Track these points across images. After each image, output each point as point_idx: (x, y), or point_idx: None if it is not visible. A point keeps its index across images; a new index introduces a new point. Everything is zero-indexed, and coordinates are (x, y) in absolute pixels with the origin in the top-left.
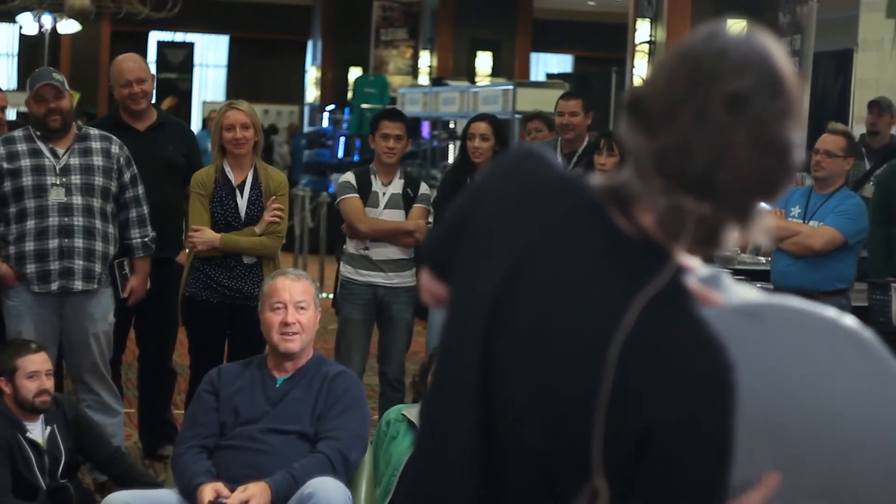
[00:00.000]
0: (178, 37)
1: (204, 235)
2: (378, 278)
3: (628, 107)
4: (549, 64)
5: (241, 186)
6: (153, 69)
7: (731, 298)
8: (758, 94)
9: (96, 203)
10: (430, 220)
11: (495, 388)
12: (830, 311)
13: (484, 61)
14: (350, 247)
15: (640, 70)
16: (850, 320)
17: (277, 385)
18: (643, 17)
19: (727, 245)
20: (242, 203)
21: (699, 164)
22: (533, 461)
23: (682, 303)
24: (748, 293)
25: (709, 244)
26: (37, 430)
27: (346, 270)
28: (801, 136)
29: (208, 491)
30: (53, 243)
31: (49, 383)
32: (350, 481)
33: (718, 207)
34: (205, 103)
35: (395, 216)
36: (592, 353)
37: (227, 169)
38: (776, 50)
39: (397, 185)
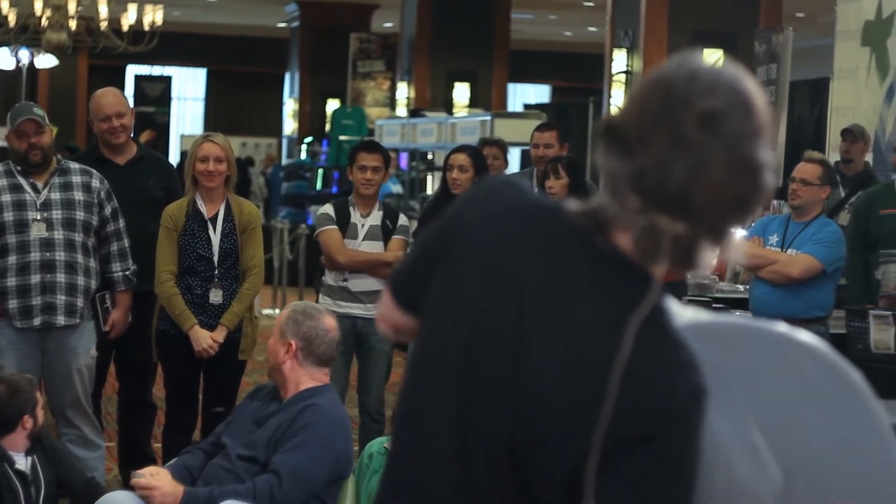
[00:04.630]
0: (156, 70)
1: (201, 339)
2: (357, 310)
3: (604, 131)
4: (526, 94)
5: (214, 220)
6: (131, 103)
7: (679, 320)
8: (730, 113)
9: (78, 237)
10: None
11: (475, 414)
12: (781, 327)
13: (461, 92)
14: (329, 278)
15: (617, 100)
16: (804, 335)
17: (272, 409)
18: (620, 47)
19: (703, 264)
20: (216, 237)
21: (676, 182)
22: (516, 487)
23: (667, 323)
24: (695, 314)
25: (684, 264)
26: (21, 462)
27: (325, 302)
28: (772, 158)
29: (144, 470)
30: (35, 278)
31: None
32: None
33: (694, 226)
34: (183, 136)
35: (374, 248)
36: (590, 380)
37: (200, 202)
38: (745, 76)
39: (376, 217)
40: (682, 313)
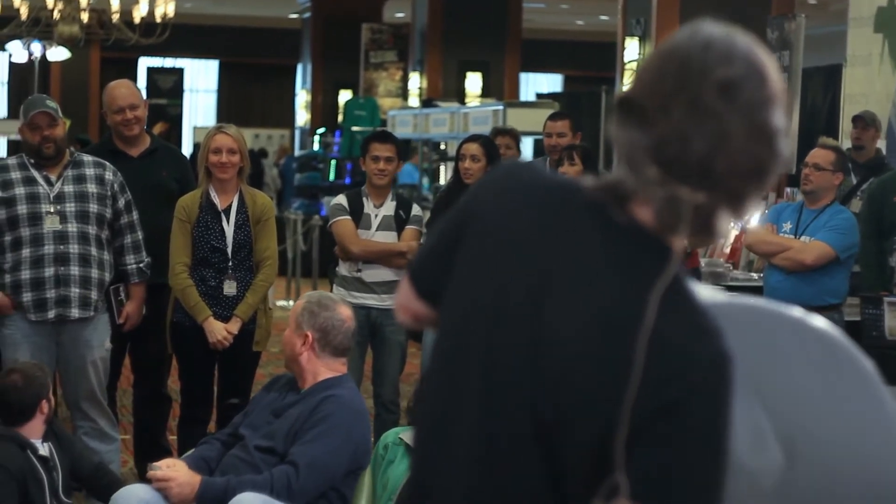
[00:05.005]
0: (168, 62)
1: (215, 330)
2: (371, 300)
3: (619, 105)
4: (538, 84)
5: (227, 211)
6: (143, 95)
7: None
8: (747, 81)
9: (91, 230)
10: (423, 241)
11: (498, 399)
12: (795, 311)
13: (473, 82)
14: (342, 269)
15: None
16: (818, 320)
17: (290, 400)
18: (632, 35)
19: (721, 233)
20: (229, 229)
21: (697, 151)
22: (543, 464)
23: (688, 293)
24: (710, 294)
25: (704, 233)
26: (41, 448)
27: (339, 293)
28: (786, 123)
29: (160, 462)
30: (49, 271)
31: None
32: None
33: (714, 195)
34: (196, 128)
35: (388, 238)
36: (615, 351)
37: (213, 193)
38: (756, 43)
39: (389, 207)
40: (698, 293)
